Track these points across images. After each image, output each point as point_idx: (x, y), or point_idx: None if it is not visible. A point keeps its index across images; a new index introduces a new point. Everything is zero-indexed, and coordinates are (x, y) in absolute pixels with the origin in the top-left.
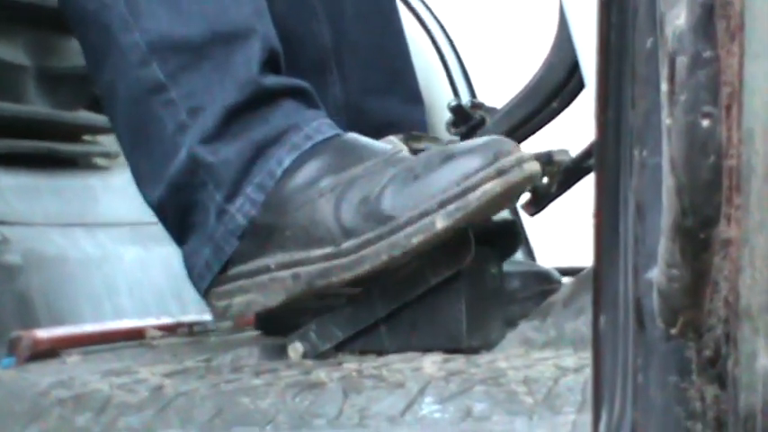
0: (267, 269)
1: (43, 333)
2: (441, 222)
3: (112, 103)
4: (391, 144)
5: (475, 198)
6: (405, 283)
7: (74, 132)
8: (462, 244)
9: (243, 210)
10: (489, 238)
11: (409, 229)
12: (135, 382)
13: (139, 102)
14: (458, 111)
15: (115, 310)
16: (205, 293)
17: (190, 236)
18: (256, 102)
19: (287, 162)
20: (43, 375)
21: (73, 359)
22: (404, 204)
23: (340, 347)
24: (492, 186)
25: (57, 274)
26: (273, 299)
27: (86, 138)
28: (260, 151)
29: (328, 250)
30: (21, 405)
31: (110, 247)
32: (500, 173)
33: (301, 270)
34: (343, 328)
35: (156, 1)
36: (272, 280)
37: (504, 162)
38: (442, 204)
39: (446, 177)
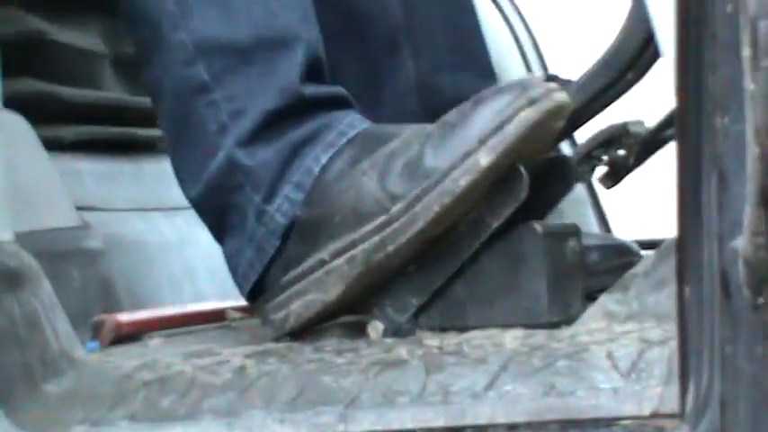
0: (322, 263)
1: (125, 317)
2: (484, 159)
3: (159, 98)
4: None
5: (512, 128)
6: (467, 233)
7: (151, 117)
8: (515, 180)
9: (282, 209)
10: (541, 175)
11: (455, 174)
12: (217, 363)
13: (184, 100)
14: None
15: (195, 292)
16: (259, 309)
17: (229, 236)
18: (295, 109)
19: (324, 159)
20: (127, 358)
21: (155, 342)
22: (446, 154)
23: (419, 321)
24: (526, 115)
25: (137, 259)
26: (332, 292)
27: None
28: (296, 151)
29: (380, 221)
30: (106, 388)
31: (188, 230)
32: (531, 102)
33: (356, 251)
34: (417, 294)
35: (207, 2)
36: (328, 272)
37: (533, 93)
38: (482, 141)
39: (481, 118)
